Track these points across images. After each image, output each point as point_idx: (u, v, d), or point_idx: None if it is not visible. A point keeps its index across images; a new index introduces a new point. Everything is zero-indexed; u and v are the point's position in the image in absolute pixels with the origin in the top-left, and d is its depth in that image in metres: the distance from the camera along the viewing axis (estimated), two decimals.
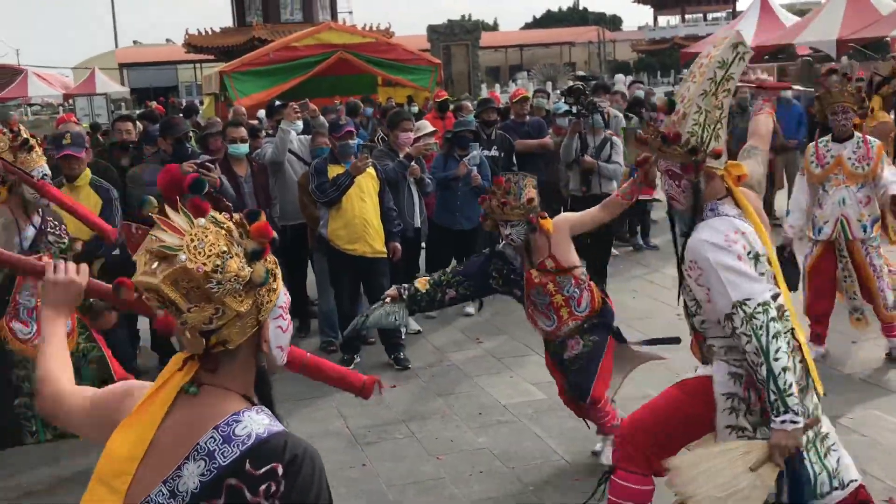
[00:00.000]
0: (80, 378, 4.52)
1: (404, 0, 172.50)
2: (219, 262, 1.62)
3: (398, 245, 6.67)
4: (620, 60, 57.15)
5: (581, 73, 32.82)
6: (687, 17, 58.37)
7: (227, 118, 9.93)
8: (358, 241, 6.39)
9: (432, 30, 29.11)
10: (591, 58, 54.74)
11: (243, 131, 6.88)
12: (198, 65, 50.92)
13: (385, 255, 6.53)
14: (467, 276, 4.53)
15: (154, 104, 30.24)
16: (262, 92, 15.59)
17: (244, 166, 6.85)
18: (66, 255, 4.54)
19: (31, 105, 43.57)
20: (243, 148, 6.81)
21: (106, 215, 5.51)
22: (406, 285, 4.52)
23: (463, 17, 33.77)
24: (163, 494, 1.65)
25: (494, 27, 65.29)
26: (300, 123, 7.47)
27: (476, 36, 29.45)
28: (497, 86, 43.46)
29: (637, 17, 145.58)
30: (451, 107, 11.00)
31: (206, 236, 1.65)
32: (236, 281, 1.65)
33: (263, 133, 8.08)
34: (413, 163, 6.91)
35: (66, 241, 4.73)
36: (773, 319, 2.83)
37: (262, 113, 11.45)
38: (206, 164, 6.14)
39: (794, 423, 2.81)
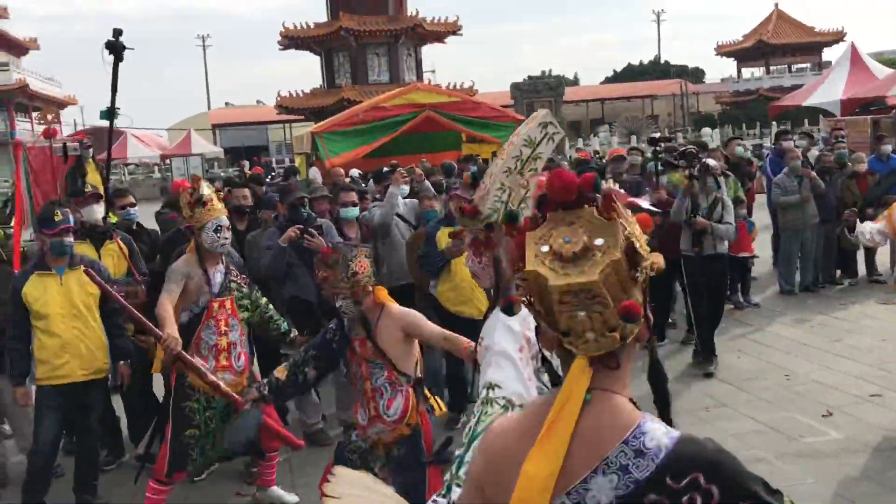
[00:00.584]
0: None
1: (484, 58, 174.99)
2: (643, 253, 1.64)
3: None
4: (704, 113, 56.75)
5: (656, 134, 32.69)
6: (771, 68, 57.66)
7: (324, 177, 10.26)
8: (465, 303, 6.49)
9: (516, 87, 29.68)
10: (675, 110, 54.50)
11: (354, 195, 7.13)
12: (287, 125, 52.46)
13: None
14: (317, 350, 4.38)
15: (246, 164, 31.40)
16: (352, 151, 15.98)
17: (354, 228, 7.07)
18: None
19: (127, 165, 45.54)
20: (353, 211, 7.05)
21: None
22: (265, 381, 4.46)
23: (543, 72, 34.12)
24: None
25: (575, 81, 65.63)
26: (406, 187, 7.68)
27: (560, 92, 29.88)
28: (579, 140, 43.64)
29: (720, 69, 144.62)
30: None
31: (634, 228, 1.66)
32: (649, 269, 1.64)
33: (370, 196, 8.32)
34: None
35: (244, 288, 5.28)
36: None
37: (354, 172, 11.75)
38: (310, 230, 6.35)
39: None
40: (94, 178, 10.62)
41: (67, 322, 5.30)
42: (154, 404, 6.87)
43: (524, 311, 2.71)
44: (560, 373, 1.78)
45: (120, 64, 8.42)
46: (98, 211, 6.28)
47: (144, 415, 6.45)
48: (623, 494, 1.58)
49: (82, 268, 5.34)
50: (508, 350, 2.66)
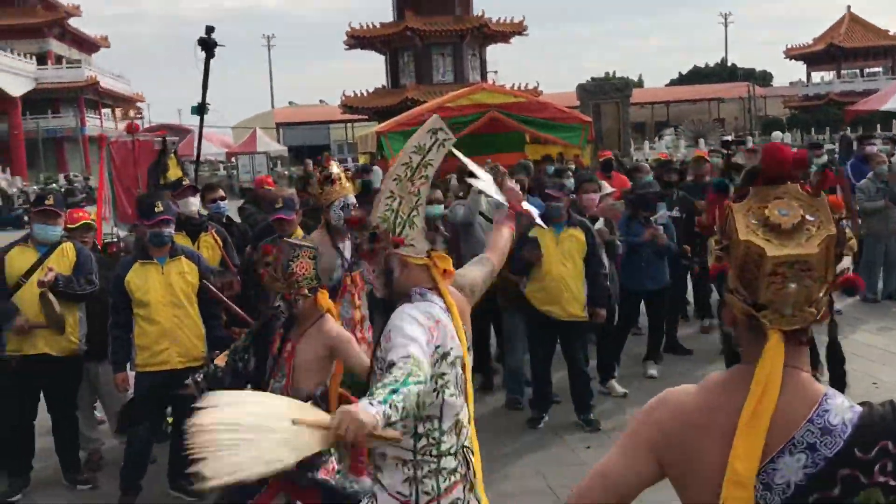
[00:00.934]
0: None
1: (548, 59, 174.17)
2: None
3: (602, 312, 6.64)
4: (772, 117, 55.77)
5: (728, 137, 32.15)
6: (843, 72, 56.42)
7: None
8: (553, 303, 6.49)
9: (582, 88, 29.32)
10: (742, 114, 53.65)
11: (439, 193, 7.18)
12: (349, 124, 52.93)
13: (583, 320, 6.55)
14: (255, 340, 4.30)
15: (310, 162, 31.74)
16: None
17: (438, 227, 7.11)
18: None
19: (191, 162, 46.40)
20: (438, 209, 7.09)
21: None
22: (202, 371, 4.40)
23: (607, 74, 33.88)
24: (755, 487, 1.62)
25: (639, 84, 65.11)
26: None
27: (626, 94, 29.35)
28: (645, 143, 43.21)
29: (789, 73, 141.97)
30: (615, 166, 11.06)
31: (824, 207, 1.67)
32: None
33: (452, 195, 8.36)
34: (602, 225, 6.99)
35: None
36: (416, 371, 2.43)
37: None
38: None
39: (377, 416, 2.24)
40: (175, 172, 10.82)
41: (168, 310, 5.43)
42: None
43: (424, 304, 2.78)
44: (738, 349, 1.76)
45: (211, 60, 8.62)
46: (194, 203, 6.42)
47: None
48: (813, 472, 1.60)
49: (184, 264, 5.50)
50: (417, 335, 2.60)
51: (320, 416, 2.34)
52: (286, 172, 33.31)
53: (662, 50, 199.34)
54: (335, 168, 5.31)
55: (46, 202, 5.89)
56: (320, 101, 64.46)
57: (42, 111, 56.12)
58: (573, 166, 14.40)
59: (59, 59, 59.57)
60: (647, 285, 7.61)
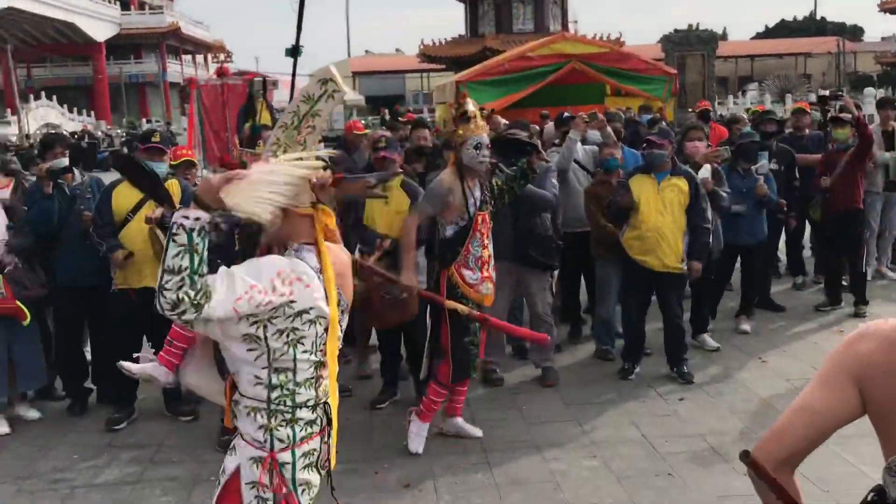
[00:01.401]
0: None
1: (630, 9, 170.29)
2: None
3: (698, 264, 6.46)
4: (862, 73, 53.69)
5: (825, 92, 31.09)
6: None
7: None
8: (649, 253, 6.37)
9: (666, 39, 28.69)
10: (829, 70, 51.78)
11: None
12: (425, 74, 52.70)
13: (679, 272, 6.43)
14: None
15: (386, 111, 31.78)
16: (495, 101, 15.88)
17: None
18: None
19: (279, 111, 46.68)
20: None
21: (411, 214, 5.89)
22: None
23: (691, 26, 32.82)
24: None
25: (723, 37, 63.16)
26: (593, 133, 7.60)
27: (713, 46, 28.67)
28: (729, 97, 42.10)
29: (882, 27, 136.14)
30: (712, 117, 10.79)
31: None
32: None
33: (547, 142, 8.26)
34: (707, 174, 6.83)
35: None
36: (207, 293, 2.45)
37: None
38: None
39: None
40: (265, 117, 10.90)
41: None
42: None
43: (294, 261, 2.67)
44: None
45: (305, 2, 8.60)
46: None
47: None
48: None
49: None
50: (245, 280, 2.54)
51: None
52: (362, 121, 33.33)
53: (748, 2, 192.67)
54: (471, 106, 5.23)
55: (153, 139, 6.00)
56: (396, 50, 64.27)
57: (125, 57, 57.29)
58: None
59: (141, 6, 60.53)
60: (745, 240, 7.44)
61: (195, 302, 2.45)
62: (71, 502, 4.91)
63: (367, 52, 66.62)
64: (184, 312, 2.45)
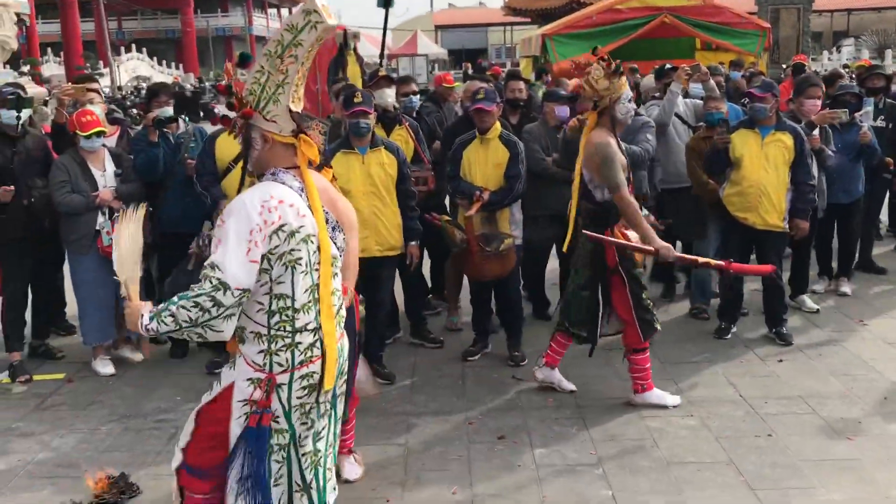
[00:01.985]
0: None
1: None
2: None
3: (804, 223, 6.25)
4: None
5: None
6: None
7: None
8: (750, 210, 6.20)
9: None
10: None
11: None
12: (508, 28, 52.03)
13: (780, 230, 6.23)
14: None
15: (469, 65, 31.52)
16: (582, 55, 15.57)
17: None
18: None
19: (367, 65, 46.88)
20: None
21: (511, 167, 5.84)
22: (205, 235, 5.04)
23: None
24: None
25: None
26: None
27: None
28: (824, 52, 40.50)
29: None
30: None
31: None
32: None
33: (646, 94, 8.10)
34: (815, 132, 6.59)
35: None
36: (216, 294, 2.75)
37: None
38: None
39: (146, 326, 2.87)
40: (353, 69, 10.89)
41: (367, 199, 5.53)
42: (423, 287, 7.17)
43: (268, 185, 2.88)
44: None
45: None
46: (389, 95, 6.43)
47: (418, 295, 6.81)
48: None
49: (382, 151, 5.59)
50: (241, 230, 2.79)
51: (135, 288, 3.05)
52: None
53: None
54: (615, 63, 5.09)
55: None
56: (479, 3, 63.52)
57: (212, 10, 57.90)
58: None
59: None
60: (840, 198, 7.16)
61: (219, 303, 2.77)
62: (176, 441, 5.07)
63: (450, 4, 65.99)
64: (230, 313, 2.80)
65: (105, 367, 6.18)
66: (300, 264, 2.87)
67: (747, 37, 16.77)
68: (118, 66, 38.14)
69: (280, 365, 2.93)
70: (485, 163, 5.89)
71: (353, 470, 4.51)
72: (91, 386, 5.99)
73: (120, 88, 31.97)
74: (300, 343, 2.93)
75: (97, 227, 5.94)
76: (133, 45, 47.75)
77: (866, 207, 7.73)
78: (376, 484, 4.47)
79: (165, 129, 6.22)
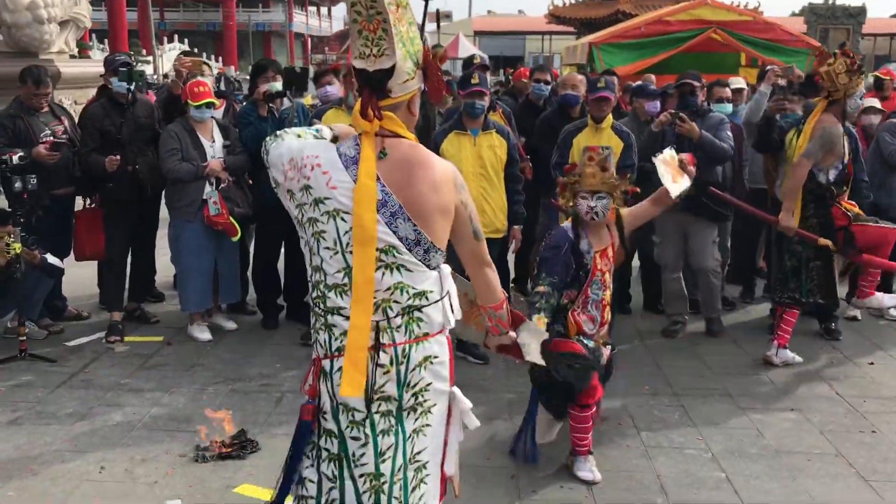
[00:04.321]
0: None
1: None
2: None
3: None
4: None
5: None
6: None
7: None
8: None
9: (811, 11, 27.67)
10: None
11: (728, 91, 7.01)
12: (546, 36, 52.08)
13: None
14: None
15: (510, 71, 31.63)
16: (628, 65, 15.66)
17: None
18: None
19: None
20: (728, 107, 6.93)
21: (625, 158, 5.90)
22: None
23: None
24: None
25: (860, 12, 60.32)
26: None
27: (860, 20, 27.58)
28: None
29: None
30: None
31: None
32: None
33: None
34: None
35: None
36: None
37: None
38: (681, 114, 6.29)
39: None
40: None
41: (476, 181, 5.61)
42: (506, 275, 7.23)
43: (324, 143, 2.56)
44: None
45: None
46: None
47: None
48: None
49: (494, 132, 5.68)
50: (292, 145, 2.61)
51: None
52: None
53: None
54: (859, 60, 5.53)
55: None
56: (519, 11, 63.68)
57: (253, 5, 58.36)
58: None
59: None
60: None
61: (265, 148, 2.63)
62: (283, 405, 5.18)
63: (489, 11, 66.19)
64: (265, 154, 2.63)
65: (202, 332, 6.31)
66: (325, 239, 2.51)
67: (796, 55, 16.67)
68: (161, 56, 38.57)
69: (321, 346, 2.59)
70: None
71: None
72: (190, 349, 6.12)
73: (165, 76, 32.32)
74: (334, 326, 2.55)
75: (203, 197, 6.06)
76: (175, 36, 48.22)
77: None
78: (489, 453, 4.54)
79: (271, 104, 6.35)
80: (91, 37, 42.88)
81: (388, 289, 2.51)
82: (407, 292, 2.53)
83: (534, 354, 3.21)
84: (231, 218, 6.06)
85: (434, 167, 2.55)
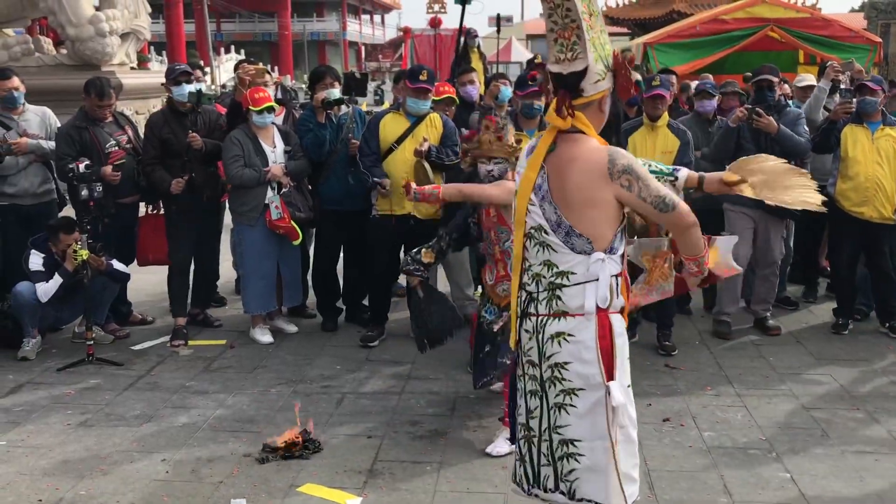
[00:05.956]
0: None
1: None
2: None
3: None
4: None
5: None
6: None
7: None
8: (866, 204, 6.26)
9: (872, 6, 27.13)
10: None
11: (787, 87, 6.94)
12: None
13: (893, 223, 6.27)
14: (458, 233, 4.80)
15: None
16: (684, 65, 15.41)
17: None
18: None
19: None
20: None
21: (682, 156, 5.86)
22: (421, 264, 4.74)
23: None
24: None
25: None
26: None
27: None
28: None
29: None
30: None
31: None
32: None
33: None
34: None
35: None
36: None
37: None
38: (758, 109, 6.21)
39: None
40: (477, 65, 10.99)
41: None
42: None
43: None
44: None
45: None
46: None
47: None
48: None
49: None
50: None
51: None
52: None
53: None
54: None
55: (420, 77, 6.13)
56: None
57: (308, 14, 59.12)
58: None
59: None
60: None
61: None
62: (344, 405, 5.25)
63: (540, 14, 66.16)
64: None
65: (264, 335, 6.41)
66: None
67: (857, 51, 16.29)
68: (218, 66, 39.25)
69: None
70: (653, 150, 5.93)
71: None
72: (252, 352, 6.22)
73: (223, 87, 32.88)
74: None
75: (266, 202, 6.17)
76: (231, 47, 49.02)
77: None
78: None
79: (329, 111, 6.43)
80: (150, 49, 43.98)
81: (541, 263, 2.90)
82: (552, 269, 2.88)
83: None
84: (292, 222, 6.16)
85: (583, 162, 2.81)
